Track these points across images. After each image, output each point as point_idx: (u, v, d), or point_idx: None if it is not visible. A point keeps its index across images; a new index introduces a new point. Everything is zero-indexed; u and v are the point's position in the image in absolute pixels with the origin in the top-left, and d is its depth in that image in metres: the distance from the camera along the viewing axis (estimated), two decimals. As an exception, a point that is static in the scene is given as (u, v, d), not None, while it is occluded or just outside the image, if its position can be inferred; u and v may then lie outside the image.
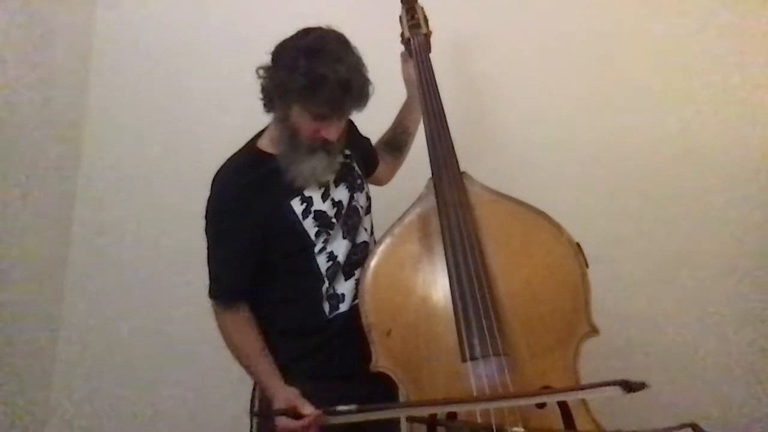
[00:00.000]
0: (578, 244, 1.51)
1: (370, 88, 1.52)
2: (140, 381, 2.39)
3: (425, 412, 1.37)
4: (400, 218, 1.58)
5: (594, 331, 1.45)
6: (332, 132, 1.52)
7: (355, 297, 1.59)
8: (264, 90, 1.58)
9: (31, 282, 2.30)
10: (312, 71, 1.43)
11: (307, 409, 1.40)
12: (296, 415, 1.39)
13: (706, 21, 2.27)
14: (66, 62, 2.39)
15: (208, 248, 1.61)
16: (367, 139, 1.87)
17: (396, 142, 1.93)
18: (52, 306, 2.41)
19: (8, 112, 2.14)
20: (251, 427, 1.64)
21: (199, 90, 2.42)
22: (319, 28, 1.52)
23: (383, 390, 1.49)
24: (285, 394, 1.48)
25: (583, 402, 1.40)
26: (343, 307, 1.60)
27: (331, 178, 1.61)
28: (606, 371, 2.07)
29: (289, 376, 1.56)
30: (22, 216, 2.22)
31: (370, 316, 1.47)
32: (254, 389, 1.66)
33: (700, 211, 2.24)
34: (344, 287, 1.61)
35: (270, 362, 1.57)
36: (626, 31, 2.29)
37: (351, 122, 1.74)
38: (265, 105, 1.60)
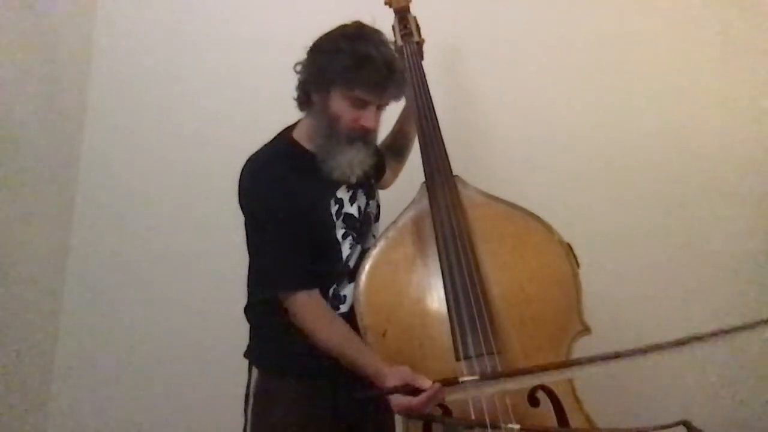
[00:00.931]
0: (569, 245, 1.53)
1: (407, 79, 1.55)
2: (140, 381, 2.41)
3: (555, 376, 1.36)
4: (394, 222, 1.61)
5: (586, 329, 1.48)
6: (371, 120, 1.53)
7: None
8: (302, 83, 1.59)
9: (31, 282, 2.31)
10: (356, 51, 1.47)
11: (426, 382, 1.31)
12: (414, 390, 1.32)
13: (705, 20, 2.26)
14: (66, 62, 2.40)
15: (266, 236, 1.55)
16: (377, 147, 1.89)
17: (397, 147, 1.95)
18: (52, 306, 2.42)
19: (8, 112, 2.14)
20: (245, 421, 1.65)
21: (199, 90, 2.43)
22: (356, 21, 1.55)
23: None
24: (396, 371, 1.37)
25: (577, 400, 1.43)
26: (344, 308, 1.61)
27: (366, 171, 1.59)
28: (604, 371, 2.10)
29: (286, 373, 1.59)
30: (22, 216, 2.23)
31: (365, 318, 1.50)
32: (248, 385, 1.66)
33: (699, 211, 2.24)
34: (347, 290, 1.62)
35: (363, 344, 1.47)
36: (624, 32, 2.29)
37: None
38: (299, 101, 1.61)
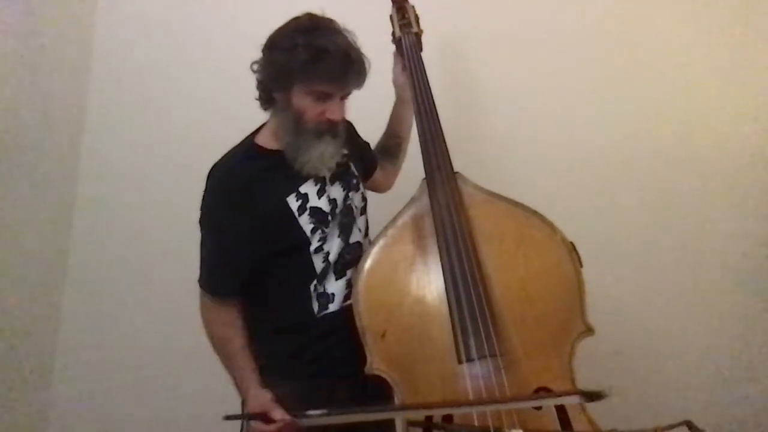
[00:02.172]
0: (572, 243, 1.50)
1: (368, 64, 1.53)
2: (140, 381, 2.40)
3: (390, 415, 1.39)
4: (394, 219, 1.57)
5: (589, 330, 1.44)
6: (336, 111, 1.53)
7: (345, 297, 1.59)
8: (261, 83, 1.58)
9: (31, 282, 2.30)
10: (312, 45, 1.45)
11: (278, 414, 1.42)
12: (267, 419, 1.41)
13: (705, 19, 2.25)
14: (66, 62, 2.39)
15: (203, 240, 1.61)
16: (367, 143, 1.87)
17: (389, 148, 1.93)
18: (52, 306, 2.41)
19: (8, 112, 2.14)
20: (242, 428, 1.63)
21: (199, 90, 2.42)
22: (308, 12, 1.54)
23: (374, 391, 1.49)
24: (258, 397, 1.50)
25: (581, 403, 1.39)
26: (333, 306, 1.59)
27: (336, 163, 1.60)
28: (603, 371, 2.09)
29: (277, 375, 1.57)
30: (22, 216, 2.23)
31: (364, 319, 1.47)
32: None
33: (698, 211, 2.23)
34: (334, 287, 1.60)
35: (249, 362, 1.57)
36: (623, 30, 2.28)
37: (350, 124, 1.75)
38: (261, 101, 1.61)
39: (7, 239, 2.17)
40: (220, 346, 1.60)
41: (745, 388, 2.19)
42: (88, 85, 2.47)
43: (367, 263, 1.52)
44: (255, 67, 1.58)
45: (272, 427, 1.42)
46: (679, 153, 2.24)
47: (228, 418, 1.48)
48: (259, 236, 1.55)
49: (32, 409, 2.32)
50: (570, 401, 1.28)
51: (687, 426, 1.22)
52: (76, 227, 2.46)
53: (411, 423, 1.38)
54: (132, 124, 2.45)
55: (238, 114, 2.29)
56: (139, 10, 2.45)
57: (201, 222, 1.60)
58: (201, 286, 1.63)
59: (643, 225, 2.24)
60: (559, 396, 1.32)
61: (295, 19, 1.54)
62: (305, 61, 1.45)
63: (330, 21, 1.53)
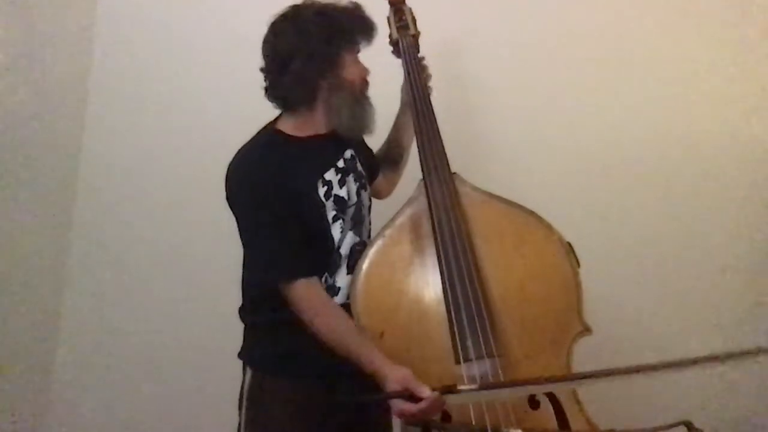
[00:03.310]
0: (569, 244, 1.50)
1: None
2: (141, 381, 2.41)
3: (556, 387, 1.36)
4: (392, 220, 1.57)
5: (587, 330, 1.45)
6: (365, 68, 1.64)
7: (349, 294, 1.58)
8: (303, 80, 1.55)
9: (31, 282, 2.31)
10: (334, 12, 1.54)
11: (426, 390, 1.27)
12: (413, 397, 1.28)
13: (705, 18, 2.24)
14: (66, 62, 2.39)
15: (259, 235, 1.54)
16: (370, 149, 1.87)
17: (391, 156, 1.92)
18: (52, 306, 2.41)
19: (8, 112, 2.14)
20: (239, 419, 1.64)
21: (199, 90, 2.42)
22: (290, 5, 1.60)
23: (375, 391, 1.45)
24: (398, 374, 1.34)
25: (578, 402, 1.40)
26: (338, 299, 1.58)
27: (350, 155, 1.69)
28: (605, 384, 2.09)
29: (279, 374, 1.57)
30: (22, 216, 2.23)
31: (362, 319, 1.47)
32: (242, 386, 1.64)
33: (698, 211, 2.22)
34: (344, 281, 1.60)
35: (367, 338, 1.44)
36: (623, 30, 2.27)
37: None
38: (302, 100, 1.59)
39: (7, 240, 2.17)
40: (333, 334, 1.46)
41: (745, 388, 2.19)
42: (88, 85, 2.47)
43: (365, 263, 1.52)
44: (287, 77, 1.55)
45: (421, 404, 1.27)
46: (679, 153, 2.23)
47: (362, 400, 1.41)
48: (298, 218, 1.53)
49: (32, 409, 2.32)
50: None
51: (686, 426, 1.22)
52: (76, 227, 2.46)
53: (410, 422, 1.38)
54: (132, 124, 2.45)
55: (238, 114, 2.30)
56: (139, 10, 2.45)
57: (247, 215, 1.55)
58: (288, 277, 1.49)
59: (643, 225, 2.24)
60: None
61: (294, 7, 1.58)
62: (342, 25, 1.54)
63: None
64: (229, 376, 1.69)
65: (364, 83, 1.63)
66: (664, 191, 2.23)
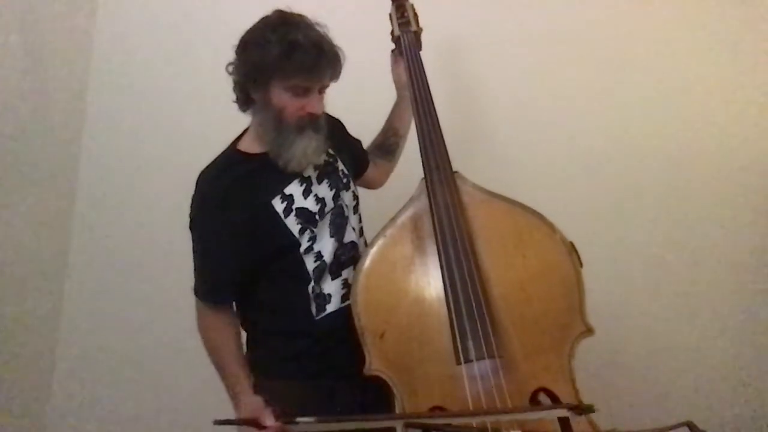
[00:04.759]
0: (572, 243, 1.48)
1: (342, 55, 1.53)
2: (140, 381, 2.41)
3: (385, 424, 1.31)
4: (392, 219, 1.56)
5: (589, 330, 1.43)
6: (315, 105, 1.52)
7: (343, 298, 1.59)
8: (237, 84, 1.57)
9: (31, 282, 2.30)
10: (284, 39, 1.45)
11: (269, 419, 1.35)
12: (258, 425, 1.36)
13: (707, 20, 2.24)
14: (65, 63, 2.39)
15: (194, 248, 1.61)
16: (358, 141, 1.86)
17: (387, 145, 1.92)
18: (52, 306, 2.41)
19: (8, 112, 2.14)
20: None
21: (199, 90, 2.41)
22: (277, 9, 1.54)
23: (375, 392, 1.48)
24: (249, 402, 1.50)
25: (580, 403, 1.37)
26: (330, 307, 1.59)
27: (322, 157, 1.60)
28: (603, 371, 2.08)
29: (276, 377, 1.57)
30: (22, 216, 2.23)
31: (363, 319, 1.46)
32: None
33: (699, 211, 2.22)
34: (331, 287, 1.60)
35: (243, 368, 1.58)
36: (625, 31, 2.27)
37: (339, 123, 1.76)
38: (240, 102, 1.60)
39: (7, 239, 2.17)
40: (213, 352, 1.61)
41: (746, 388, 2.18)
42: (88, 85, 2.47)
43: (366, 263, 1.51)
44: (230, 68, 1.57)
45: None
46: (679, 153, 2.23)
47: (218, 422, 1.45)
48: (246, 241, 1.55)
49: (32, 410, 2.32)
50: (558, 414, 1.25)
51: (688, 427, 1.20)
52: (76, 227, 2.46)
53: (410, 425, 1.36)
54: (132, 125, 2.45)
55: (238, 114, 2.30)
56: (139, 10, 2.45)
57: (190, 230, 1.62)
58: (195, 293, 1.64)
59: (644, 225, 2.23)
60: (547, 409, 1.29)
61: (265, 18, 1.54)
62: (278, 55, 1.45)
63: (300, 16, 1.53)
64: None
65: (302, 117, 1.52)
66: (667, 190, 2.23)
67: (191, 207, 1.61)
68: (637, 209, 2.24)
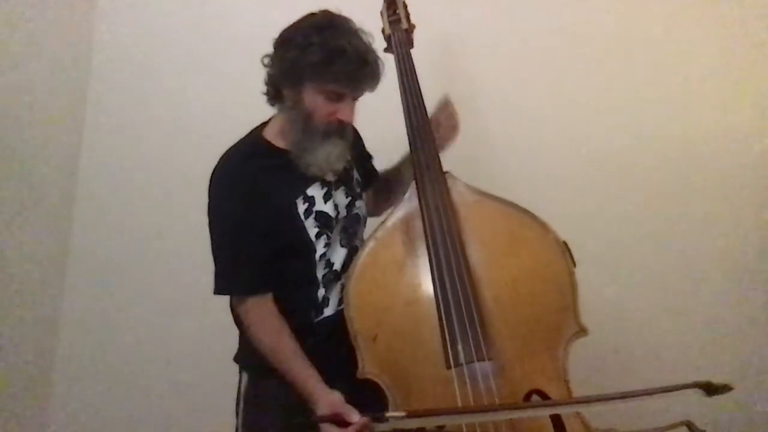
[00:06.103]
0: (565, 243, 1.47)
1: (383, 67, 1.50)
2: (140, 381, 2.41)
3: (476, 419, 1.30)
4: (383, 222, 1.54)
5: (582, 331, 1.41)
6: (347, 112, 1.50)
7: (340, 301, 1.57)
8: (271, 78, 1.55)
9: (31, 282, 2.31)
10: (327, 44, 1.42)
11: (355, 416, 1.28)
12: (342, 422, 1.29)
13: (706, 20, 2.22)
14: (66, 63, 2.38)
15: (218, 242, 1.54)
16: (370, 156, 1.84)
17: (388, 185, 1.85)
18: (52, 306, 2.42)
19: (8, 112, 2.13)
20: (236, 422, 1.64)
21: (200, 90, 2.41)
22: (324, 10, 1.51)
23: (371, 396, 1.45)
24: (328, 399, 1.39)
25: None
26: (328, 311, 1.58)
27: (343, 165, 1.56)
28: (602, 371, 2.07)
29: (273, 376, 1.54)
30: (22, 216, 2.23)
31: (355, 323, 1.45)
32: (238, 388, 1.64)
33: (698, 211, 2.21)
34: (333, 293, 1.59)
35: (306, 361, 1.47)
36: (624, 30, 2.25)
37: (358, 133, 1.73)
38: (269, 96, 1.57)
39: (7, 239, 2.17)
40: (272, 354, 1.50)
41: (745, 388, 2.17)
42: (88, 85, 2.46)
43: (357, 267, 1.50)
44: (266, 61, 1.54)
45: (349, 429, 1.28)
46: (679, 153, 2.22)
47: (296, 422, 1.38)
48: (268, 233, 1.51)
49: (32, 409, 2.33)
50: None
51: (687, 426, 1.21)
52: (76, 227, 2.47)
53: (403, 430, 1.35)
54: (131, 126, 2.45)
55: (238, 114, 2.29)
56: (139, 10, 2.45)
57: (214, 219, 1.54)
58: (232, 290, 1.55)
59: (643, 225, 2.22)
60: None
61: (311, 16, 1.51)
62: (320, 60, 1.42)
63: (346, 20, 1.50)
64: (227, 379, 1.69)
65: (331, 123, 1.50)
66: (663, 190, 2.22)
67: (214, 189, 1.54)
68: (636, 209, 2.23)
